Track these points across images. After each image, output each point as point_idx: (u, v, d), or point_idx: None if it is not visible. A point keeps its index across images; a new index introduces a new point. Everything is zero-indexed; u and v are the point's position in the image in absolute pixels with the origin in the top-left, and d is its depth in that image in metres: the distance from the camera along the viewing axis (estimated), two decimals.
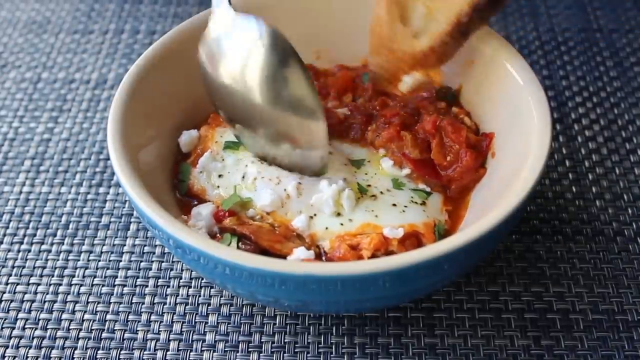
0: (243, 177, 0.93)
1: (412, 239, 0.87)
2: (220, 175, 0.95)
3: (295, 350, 0.89)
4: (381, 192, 0.92)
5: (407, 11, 0.95)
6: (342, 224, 0.88)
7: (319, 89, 1.06)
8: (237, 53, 0.89)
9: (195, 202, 0.95)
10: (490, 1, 0.87)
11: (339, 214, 0.89)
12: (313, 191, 0.91)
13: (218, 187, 0.94)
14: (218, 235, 0.90)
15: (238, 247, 0.87)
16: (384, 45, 0.96)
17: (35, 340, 0.91)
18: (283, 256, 0.86)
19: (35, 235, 1.03)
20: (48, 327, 0.93)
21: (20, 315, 0.94)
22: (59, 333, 0.92)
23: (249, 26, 0.88)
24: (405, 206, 0.91)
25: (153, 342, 0.91)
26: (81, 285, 0.97)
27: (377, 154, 0.98)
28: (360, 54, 1.07)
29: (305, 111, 0.87)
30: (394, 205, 0.91)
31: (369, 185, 0.93)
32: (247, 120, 0.91)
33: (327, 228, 0.88)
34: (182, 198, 0.96)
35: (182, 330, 0.92)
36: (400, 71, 0.94)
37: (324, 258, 0.87)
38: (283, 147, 0.91)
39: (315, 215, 0.90)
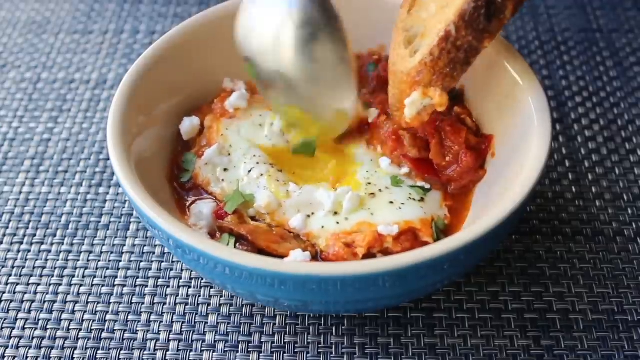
0: (249, 171, 0.94)
1: (408, 235, 0.88)
2: (225, 169, 0.95)
3: (295, 350, 0.89)
4: (380, 190, 0.92)
5: (412, 35, 0.95)
6: (338, 223, 0.89)
7: None
8: (268, 30, 0.90)
9: (190, 196, 0.95)
10: (481, 13, 0.83)
11: (336, 213, 0.90)
12: (312, 193, 0.92)
13: (222, 180, 0.95)
14: (217, 234, 0.90)
15: (235, 248, 0.87)
16: (391, 71, 0.96)
17: (35, 340, 0.91)
18: (280, 257, 0.86)
19: (35, 235, 1.03)
20: (48, 327, 0.93)
21: (20, 315, 0.94)
22: (59, 333, 0.92)
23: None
24: (403, 203, 0.91)
25: (153, 342, 0.91)
26: (81, 285, 0.97)
27: (376, 152, 0.98)
28: (361, 49, 1.07)
29: (336, 82, 0.89)
30: (391, 202, 0.91)
31: (369, 184, 0.93)
32: (282, 88, 0.93)
33: (323, 227, 0.89)
34: (179, 188, 0.96)
35: (182, 330, 0.92)
36: (403, 95, 0.93)
37: (319, 257, 0.88)
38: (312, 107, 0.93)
39: (312, 214, 0.90)
